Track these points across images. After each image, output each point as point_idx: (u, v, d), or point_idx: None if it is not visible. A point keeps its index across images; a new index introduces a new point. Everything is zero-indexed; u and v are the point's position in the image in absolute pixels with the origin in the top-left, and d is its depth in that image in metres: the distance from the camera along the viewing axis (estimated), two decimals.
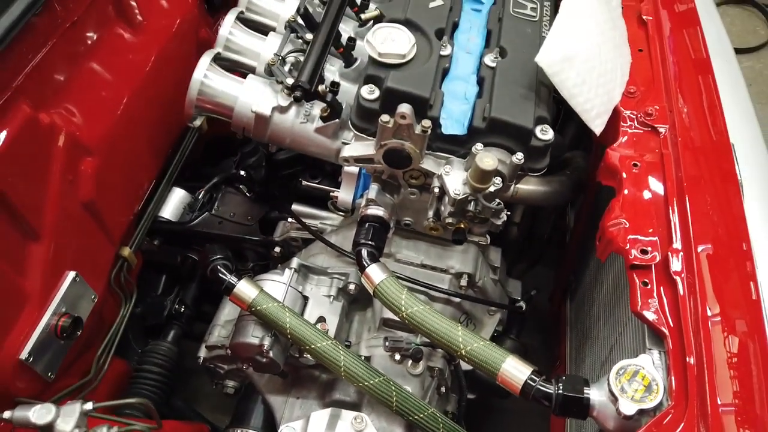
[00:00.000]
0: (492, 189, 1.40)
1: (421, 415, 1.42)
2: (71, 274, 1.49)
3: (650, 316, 1.20)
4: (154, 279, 2.01)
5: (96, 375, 1.63)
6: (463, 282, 1.69)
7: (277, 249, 1.89)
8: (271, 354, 1.49)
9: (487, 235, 1.76)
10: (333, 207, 1.78)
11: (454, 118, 1.46)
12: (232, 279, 1.48)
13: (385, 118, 1.37)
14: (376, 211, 1.54)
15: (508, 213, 1.66)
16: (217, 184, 1.97)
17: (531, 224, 2.14)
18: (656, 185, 1.39)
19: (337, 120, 1.55)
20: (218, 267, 1.50)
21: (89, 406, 1.30)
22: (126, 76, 1.70)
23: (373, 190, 1.54)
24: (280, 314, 1.45)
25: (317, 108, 1.57)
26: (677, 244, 1.27)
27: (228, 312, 1.72)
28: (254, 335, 1.50)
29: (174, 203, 1.96)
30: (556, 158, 1.79)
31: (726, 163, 1.47)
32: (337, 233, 1.79)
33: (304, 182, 1.82)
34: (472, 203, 1.42)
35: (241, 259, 2.00)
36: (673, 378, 1.13)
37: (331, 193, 1.70)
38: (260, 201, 2.00)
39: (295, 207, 1.88)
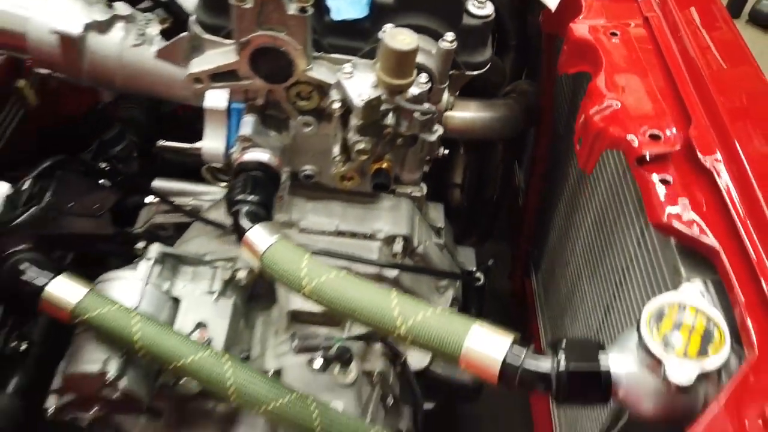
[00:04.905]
0: (415, 90, 0.95)
1: None
2: None
3: (682, 227, 0.76)
4: None
5: None
6: (398, 248, 1.22)
7: (141, 244, 1.37)
8: (122, 385, 0.99)
9: (423, 184, 1.30)
10: (209, 174, 1.27)
11: None
12: (41, 278, 0.97)
13: None
14: (255, 154, 1.06)
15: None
16: (51, 168, 1.43)
17: (477, 184, 1.72)
18: (650, 56, 0.96)
19: (185, 34, 1.07)
20: (18, 266, 0.99)
21: None
22: None
23: (247, 125, 1.07)
24: (123, 320, 0.95)
25: (154, 25, 1.09)
26: (701, 121, 0.84)
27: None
28: (91, 359, 0.99)
29: None
30: (496, 87, 1.47)
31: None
32: (218, 208, 1.30)
33: (159, 144, 1.30)
34: (390, 114, 0.96)
35: (102, 267, 1.46)
36: (745, 315, 0.68)
37: (191, 144, 1.20)
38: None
39: (156, 183, 1.37)
